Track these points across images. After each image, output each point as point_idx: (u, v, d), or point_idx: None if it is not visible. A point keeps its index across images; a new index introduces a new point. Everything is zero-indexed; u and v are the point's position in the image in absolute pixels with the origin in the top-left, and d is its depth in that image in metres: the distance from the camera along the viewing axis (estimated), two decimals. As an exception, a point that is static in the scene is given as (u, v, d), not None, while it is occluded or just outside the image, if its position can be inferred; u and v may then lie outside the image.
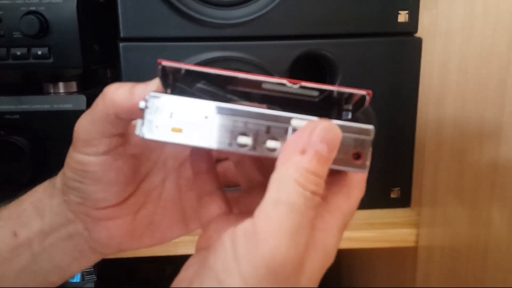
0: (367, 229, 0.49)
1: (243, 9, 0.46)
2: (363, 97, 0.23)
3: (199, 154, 0.29)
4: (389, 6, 0.47)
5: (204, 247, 0.26)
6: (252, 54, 0.46)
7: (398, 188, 0.52)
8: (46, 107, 0.47)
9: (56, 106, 0.47)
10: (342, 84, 0.48)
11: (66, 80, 0.51)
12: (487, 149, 0.36)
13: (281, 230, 0.19)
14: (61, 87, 0.52)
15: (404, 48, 0.48)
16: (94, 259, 0.31)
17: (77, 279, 1.10)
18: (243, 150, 0.21)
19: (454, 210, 0.41)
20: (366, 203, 0.53)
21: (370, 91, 0.23)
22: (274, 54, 0.47)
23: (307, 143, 0.20)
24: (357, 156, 0.21)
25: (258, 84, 0.23)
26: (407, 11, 0.47)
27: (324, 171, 0.21)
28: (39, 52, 0.46)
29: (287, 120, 0.21)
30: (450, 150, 0.42)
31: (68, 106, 0.47)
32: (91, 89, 0.51)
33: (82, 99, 0.47)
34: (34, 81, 0.53)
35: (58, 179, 0.29)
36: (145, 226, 0.30)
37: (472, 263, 0.38)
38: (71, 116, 0.46)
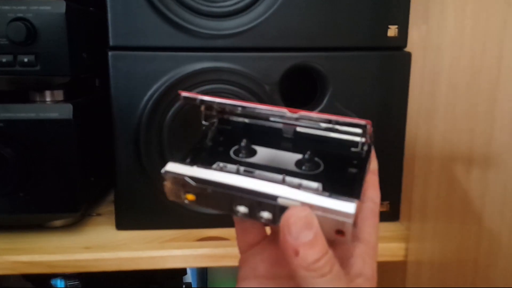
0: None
1: (235, 20, 0.46)
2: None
3: None
4: (379, 21, 0.48)
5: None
6: (243, 65, 0.46)
7: (387, 202, 0.52)
8: (31, 115, 0.46)
9: (42, 115, 0.46)
10: (332, 97, 0.48)
11: (53, 88, 0.50)
12: (476, 164, 0.36)
13: None
14: (48, 95, 0.51)
15: (394, 62, 0.49)
16: None
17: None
18: (242, 216, 0.24)
19: (444, 224, 0.41)
20: (356, 216, 0.53)
21: (369, 121, 0.25)
22: (265, 66, 0.46)
23: (293, 245, 0.23)
24: (340, 232, 0.23)
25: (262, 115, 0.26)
26: (397, 26, 0.48)
27: (321, 240, 0.23)
28: (26, 60, 0.45)
29: (274, 198, 0.23)
30: (439, 164, 0.42)
31: (54, 115, 0.46)
32: (78, 98, 0.50)
33: (69, 108, 0.46)
34: (20, 89, 0.52)
35: None
36: None
37: (462, 278, 0.38)
38: (57, 125, 0.45)
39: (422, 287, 0.45)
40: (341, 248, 0.26)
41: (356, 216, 0.22)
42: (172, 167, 0.25)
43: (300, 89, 0.51)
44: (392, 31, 0.48)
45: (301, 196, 0.23)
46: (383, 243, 0.49)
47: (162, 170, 0.25)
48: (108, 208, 0.56)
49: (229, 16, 0.45)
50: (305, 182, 0.25)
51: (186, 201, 0.25)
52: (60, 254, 0.46)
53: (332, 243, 0.26)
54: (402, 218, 0.52)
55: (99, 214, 0.55)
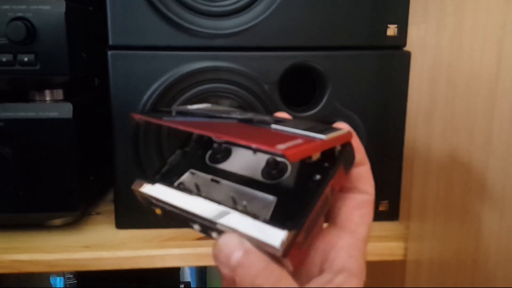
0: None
1: (234, 20, 0.46)
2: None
3: None
4: (379, 20, 0.48)
5: None
6: (242, 65, 0.46)
7: (387, 201, 0.52)
8: (31, 114, 0.46)
9: (42, 114, 0.46)
10: (331, 97, 0.48)
11: (52, 87, 0.50)
12: (476, 163, 0.36)
13: None
14: (47, 94, 0.51)
15: (393, 62, 0.49)
16: None
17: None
18: (200, 233, 0.25)
19: (443, 223, 0.41)
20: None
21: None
22: (264, 65, 0.46)
23: (227, 274, 0.22)
24: (277, 259, 0.22)
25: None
26: (396, 25, 0.48)
27: (253, 257, 0.21)
28: (26, 59, 0.45)
29: (214, 224, 0.23)
30: (438, 163, 0.42)
31: (54, 114, 0.46)
32: (78, 98, 0.50)
33: (69, 107, 0.46)
34: (19, 88, 0.52)
35: None
36: None
37: (461, 277, 0.38)
38: (56, 124, 0.45)
39: (421, 286, 0.45)
40: (324, 240, 0.25)
41: (289, 245, 0.21)
42: (136, 185, 0.27)
43: (299, 89, 0.51)
44: (392, 30, 0.48)
45: (235, 224, 0.22)
46: (382, 242, 0.49)
47: (132, 187, 0.27)
48: (107, 207, 0.56)
49: (228, 15, 0.45)
50: (259, 194, 0.25)
51: (156, 214, 0.27)
52: (59, 253, 0.46)
53: (314, 234, 0.25)
54: (401, 217, 0.52)
55: (98, 213, 0.55)
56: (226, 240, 0.22)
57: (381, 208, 0.52)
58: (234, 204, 0.24)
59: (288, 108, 0.48)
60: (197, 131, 0.27)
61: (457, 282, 0.39)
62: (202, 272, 0.95)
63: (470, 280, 0.37)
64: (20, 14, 0.44)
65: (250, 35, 0.46)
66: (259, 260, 0.21)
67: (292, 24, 0.46)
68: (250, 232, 0.22)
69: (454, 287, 0.39)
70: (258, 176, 0.27)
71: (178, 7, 0.45)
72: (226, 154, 0.29)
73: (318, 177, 0.24)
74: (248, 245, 0.22)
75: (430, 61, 0.44)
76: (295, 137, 0.22)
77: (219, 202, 0.24)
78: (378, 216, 0.52)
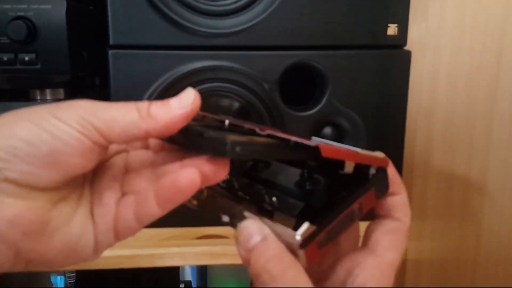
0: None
1: (235, 19, 0.46)
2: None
3: None
4: (379, 19, 0.48)
5: None
6: (242, 64, 0.46)
7: (387, 201, 0.52)
8: (32, 113, 0.46)
9: (42, 113, 0.46)
10: (331, 96, 0.48)
11: (53, 86, 0.50)
12: (476, 162, 0.36)
13: None
14: (48, 94, 0.51)
15: (393, 61, 0.49)
16: None
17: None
18: (226, 225, 0.26)
19: (443, 223, 0.41)
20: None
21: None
22: (264, 64, 0.46)
23: (244, 255, 0.23)
24: (293, 253, 0.23)
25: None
26: (396, 24, 0.48)
27: (273, 247, 0.22)
28: (26, 58, 0.45)
29: (242, 212, 0.24)
30: (439, 163, 0.42)
31: (54, 113, 0.46)
32: (78, 97, 0.50)
33: (69, 106, 0.46)
34: (20, 87, 0.52)
35: None
36: (54, 224, 0.23)
37: (461, 277, 0.38)
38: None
39: (421, 285, 0.45)
40: (351, 258, 0.25)
41: (307, 237, 0.22)
42: None
43: (300, 88, 0.51)
44: (392, 29, 0.48)
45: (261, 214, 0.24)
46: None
47: None
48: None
49: (229, 14, 0.45)
50: (289, 199, 0.26)
51: (192, 205, 0.28)
52: (60, 251, 0.46)
53: (341, 252, 0.26)
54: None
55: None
56: (247, 224, 0.23)
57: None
58: (264, 200, 0.26)
59: (288, 107, 0.48)
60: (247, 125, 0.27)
61: (457, 281, 0.39)
62: (202, 271, 0.95)
63: (470, 279, 0.37)
64: (21, 14, 0.44)
65: (250, 34, 0.46)
66: (274, 247, 0.22)
67: (292, 24, 0.46)
68: (272, 224, 0.23)
69: (454, 287, 0.39)
70: (291, 186, 0.28)
71: (178, 6, 0.45)
72: (264, 166, 0.30)
73: (347, 192, 0.25)
74: (267, 231, 0.23)
75: (430, 60, 0.44)
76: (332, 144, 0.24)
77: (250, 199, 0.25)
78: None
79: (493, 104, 0.34)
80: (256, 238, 0.22)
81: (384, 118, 0.50)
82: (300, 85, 0.51)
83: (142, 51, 0.46)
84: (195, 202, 0.28)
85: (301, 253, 0.22)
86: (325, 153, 0.22)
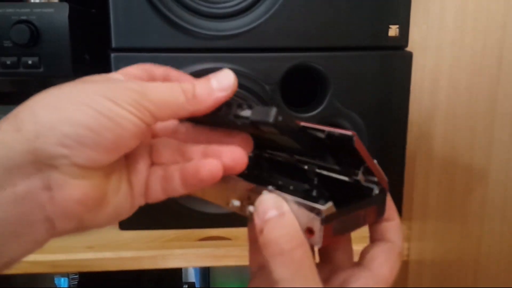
0: (358, 242, 0.50)
1: (236, 21, 0.46)
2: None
3: None
4: (380, 20, 0.48)
5: None
6: (244, 66, 0.46)
7: (389, 202, 0.52)
8: (35, 116, 0.46)
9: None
10: (332, 97, 0.48)
11: (56, 89, 0.51)
12: (477, 163, 0.36)
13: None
14: (51, 96, 0.51)
15: (395, 62, 0.49)
16: (42, 238, 0.23)
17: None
18: (236, 210, 0.26)
19: (445, 224, 0.41)
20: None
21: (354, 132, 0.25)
22: (265, 66, 0.47)
23: (259, 224, 0.23)
24: (310, 231, 0.23)
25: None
26: (397, 25, 0.48)
27: (288, 222, 0.23)
28: (30, 61, 0.46)
29: (261, 191, 0.25)
30: (440, 164, 0.42)
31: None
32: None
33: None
34: (23, 90, 0.52)
35: (28, 126, 0.21)
36: (109, 196, 0.25)
37: (463, 278, 0.38)
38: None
39: (423, 286, 0.45)
40: (345, 272, 0.26)
41: (330, 215, 0.22)
42: None
43: (301, 89, 0.51)
44: (393, 30, 0.48)
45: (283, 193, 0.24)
46: (384, 242, 0.49)
47: None
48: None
49: (230, 17, 0.46)
50: (305, 186, 0.27)
51: (198, 194, 0.28)
52: (63, 253, 0.46)
53: (336, 269, 0.27)
54: (404, 217, 0.52)
55: (102, 214, 0.55)
56: (268, 197, 0.24)
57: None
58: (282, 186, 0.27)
59: (290, 108, 0.48)
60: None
61: (459, 282, 0.39)
62: (205, 273, 0.95)
63: (472, 280, 0.37)
64: (24, 17, 0.45)
65: (251, 37, 0.46)
66: (290, 224, 0.23)
67: (294, 25, 0.46)
68: (290, 197, 0.24)
69: (455, 287, 0.39)
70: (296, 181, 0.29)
71: (180, 9, 0.45)
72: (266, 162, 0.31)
73: (357, 198, 0.26)
74: (286, 208, 0.23)
75: (431, 61, 0.44)
76: None
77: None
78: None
79: (494, 105, 0.34)
80: (273, 212, 0.23)
81: (385, 119, 0.50)
82: (302, 87, 0.51)
83: (144, 53, 0.46)
84: (197, 190, 0.28)
85: (321, 228, 0.22)
86: (357, 143, 0.23)
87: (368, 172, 0.25)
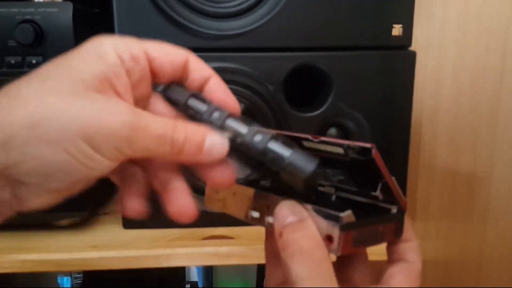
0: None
1: (239, 21, 0.46)
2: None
3: None
4: (383, 20, 0.48)
5: None
6: (247, 66, 0.46)
7: (392, 201, 0.52)
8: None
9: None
10: (336, 97, 0.48)
11: (60, 89, 0.51)
12: (480, 163, 0.36)
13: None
14: (55, 96, 0.51)
15: (398, 62, 0.49)
16: (6, 214, 0.23)
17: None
18: (254, 222, 0.26)
19: (447, 223, 0.41)
20: (360, 215, 0.53)
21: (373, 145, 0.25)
22: (269, 66, 0.47)
23: (278, 227, 0.23)
24: (329, 238, 0.23)
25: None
26: (401, 25, 0.48)
27: (308, 229, 0.23)
28: (34, 61, 0.46)
29: (278, 201, 0.25)
30: (443, 164, 0.42)
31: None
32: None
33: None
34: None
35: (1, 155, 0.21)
36: None
37: (466, 277, 0.38)
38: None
39: (425, 286, 0.45)
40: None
41: (348, 224, 0.23)
42: None
43: (304, 89, 0.51)
44: (397, 30, 0.48)
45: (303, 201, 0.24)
46: (387, 242, 0.49)
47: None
48: (115, 208, 0.57)
49: (233, 16, 0.46)
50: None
51: (215, 208, 0.29)
52: (67, 252, 0.46)
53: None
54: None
55: (106, 213, 0.56)
56: (289, 203, 0.24)
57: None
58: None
59: (293, 108, 0.48)
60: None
61: (462, 282, 0.39)
62: (208, 272, 0.95)
63: (475, 280, 0.37)
64: (28, 17, 0.45)
65: (255, 36, 0.46)
66: (310, 228, 0.23)
67: (297, 25, 0.46)
68: (315, 205, 0.24)
69: (458, 287, 0.39)
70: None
71: (183, 8, 0.45)
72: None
73: (375, 213, 0.26)
74: (306, 215, 0.23)
75: (434, 61, 0.44)
76: None
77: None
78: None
79: (497, 105, 0.34)
80: (293, 218, 0.23)
81: (389, 118, 0.50)
82: (305, 87, 0.51)
83: (148, 53, 0.46)
84: (218, 203, 0.28)
85: (341, 235, 0.23)
86: (376, 155, 0.23)
87: (387, 190, 0.25)
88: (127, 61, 0.23)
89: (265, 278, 0.31)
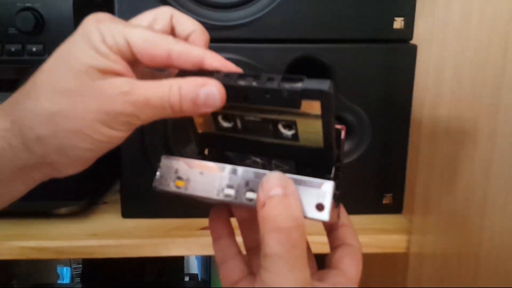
0: (358, 234, 0.50)
1: (241, 12, 0.46)
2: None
3: (219, 219, 0.31)
4: (385, 13, 0.47)
5: None
6: (248, 56, 0.46)
7: (390, 194, 0.52)
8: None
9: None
10: (336, 89, 0.48)
11: (60, 78, 0.51)
12: (480, 157, 0.36)
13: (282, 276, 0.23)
14: (55, 84, 0.51)
15: (399, 55, 0.49)
16: (39, 180, 0.28)
17: (66, 280, 1.10)
18: (227, 199, 0.26)
19: (446, 217, 0.41)
20: (358, 208, 0.53)
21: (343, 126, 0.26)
22: (270, 57, 0.47)
23: (262, 198, 0.23)
24: (319, 207, 0.24)
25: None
26: (402, 18, 0.48)
27: (293, 202, 0.23)
28: (34, 49, 0.46)
29: (263, 176, 0.24)
30: (443, 157, 0.42)
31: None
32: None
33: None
34: (28, 78, 0.52)
35: (37, 149, 0.26)
36: None
37: (464, 271, 0.38)
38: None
39: (423, 279, 0.46)
40: (317, 275, 0.27)
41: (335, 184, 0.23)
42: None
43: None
44: (398, 23, 0.48)
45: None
46: (385, 235, 0.49)
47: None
48: (114, 197, 0.57)
49: (235, 7, 0.46)
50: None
51: (174, 188, 0.27)
52: (67, 240, 0.46)
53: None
54: (405, 210, 0.52)
55: (105, 203, 0.56)
56: (277, 174, 0.24)
57: (385, 201, 0.52)
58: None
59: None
60: None
61: (460, 276, 0.39)
62: (206, 263, 0.96)
63: (473, 273, 0.37)
64: (28, 5, 0.45)
65: (256, 27, 0.46)
66: (294, 205, 0.23)
67: (298, 16, 0.46)
68: (301, 177, 0.24)
69: (456, 281, 0.39)
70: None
71: (185, -2, 0.45)
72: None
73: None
74: (292, 188, 0.23)
75: (436, 54, 0.44)
76: None
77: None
78: (382, 209, 0.52)
79: (498, 99, 0.34)
80: (278, 190, 0.23)
81: (389, 112, 0.50)
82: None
83: (149, 43, 0.46)
84: (180, 183, 0.27)
85: (331, 202, 0.23)
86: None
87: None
88: (115, 50, 0.25)
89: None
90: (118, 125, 0.25)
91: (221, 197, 0.26)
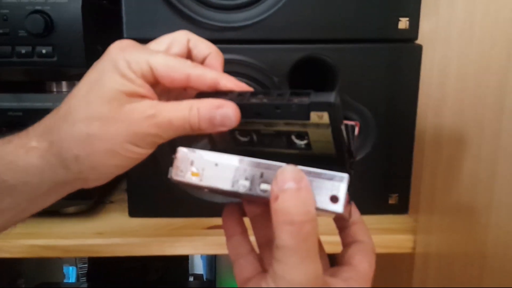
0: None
1: (245, 13, 0.46)
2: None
3: (232, 217, 0.32)
4: (390, 13, 0.48)
5: None
6: (252, 57, 0.47)
7: (396, 195, 0.52)
8: (48, 105, 0.47)
9: (58, 105, 0.47)
10: (341, 89, 0.48)
11: (69, 79, 0.52)
12: (485, 156, 0.36)
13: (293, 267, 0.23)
14: (64, 86, 0.52)
15: (404, 55, 0.49)
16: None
17: (72, 279, 1.11)
18: (242, 190, 0.26)
19: (452, 217, 0.41)
20: (364, 208, 0.53)
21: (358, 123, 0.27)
22: (274, 58, 0.47)
23: (275, 191, 0.24)
24: (334, 198, 0.24)
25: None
26: (407, 18, 0.48)
27: (306, 197, 0.23)
28: (43, 51, 0.47)
29: (277, 168, 0.25)
30: (448, 157, 0.42)
31: (70, 105, 0.47)
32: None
33: (84, 98, 0.47)
34: (37, 80, 0.53)
35: (74, 167, 0.29)
36: None
37: (469, 271, 0.38)
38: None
39: (429, 279, 0.46)
40: (328, 271, 0.28)
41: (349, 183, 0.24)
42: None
43: (309, 81, 0.52)
44: (403, 23, 0.48)
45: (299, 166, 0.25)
46: (391, 234, 0.49)
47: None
48: (121, 196, 0.57)
49: (239, 8, 0.46)
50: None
51: (189, 179, 0.28)
52: (74, 239, 0.47)
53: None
54: (411, 210, 0.52)
55: (112, 202, 0.56)
56: (291, 168, 0.24)
57: (390, 201, 0.52)
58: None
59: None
60: None
61: (465, 275, 0.39)
62: (211, 263, 0.96)
63: (478, 273, 0.37)
64: (38, 8, 0.46)
65: (260, 28, 0.46)
66: (306, 199, 0.23)
67: (303, 17, 0.47)
68: (315, 170, 0.24)
69: (462, 281, 0.39)
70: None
71: (190, 0, 0.46)
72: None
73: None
74: (306, 183, 0.24)
75: (440, 54, 0.44)
76: None
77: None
78: (388, 209, 0.52)
79: (502, 98, 0.34)
80: (292, 184, 0.23)
81: (394, 112, 0.50)
82: (310, 79, 0.52)
83: (155, 44, 0.47)
84: (195, 174, 0.28)
85: (346, 193, 0.24)
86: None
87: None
88: (140, 75, 0.28)
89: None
90: (145, 144, 0.28)
91: (236, 188, 0.26)
